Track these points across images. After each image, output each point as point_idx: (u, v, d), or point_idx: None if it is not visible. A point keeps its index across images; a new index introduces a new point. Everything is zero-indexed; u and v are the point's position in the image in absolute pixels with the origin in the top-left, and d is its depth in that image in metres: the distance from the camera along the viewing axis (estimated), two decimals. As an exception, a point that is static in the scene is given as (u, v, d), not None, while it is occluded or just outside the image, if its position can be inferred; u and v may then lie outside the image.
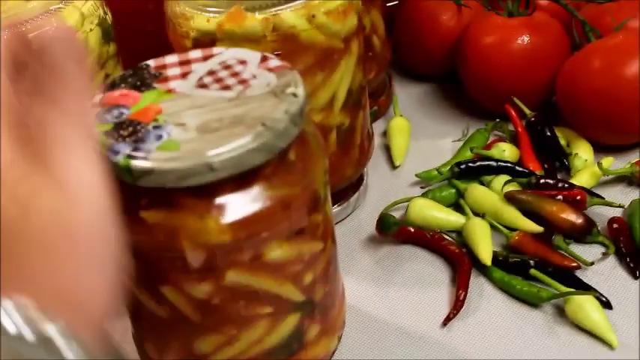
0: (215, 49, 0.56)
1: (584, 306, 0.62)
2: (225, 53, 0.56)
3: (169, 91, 0.53)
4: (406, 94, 0.92)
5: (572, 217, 0.69)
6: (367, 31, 0.84)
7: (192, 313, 0.52)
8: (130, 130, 0.50)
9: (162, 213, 0.50)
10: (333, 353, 0.61)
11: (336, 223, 0.72)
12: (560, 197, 0.71)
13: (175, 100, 0.52)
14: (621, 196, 0.74)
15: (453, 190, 0.75)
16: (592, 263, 0.67)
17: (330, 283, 0.58)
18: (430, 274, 0.69)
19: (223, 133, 0.48)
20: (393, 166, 0.81)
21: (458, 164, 0.75)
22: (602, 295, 0.64)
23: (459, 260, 0.68)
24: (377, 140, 0.85)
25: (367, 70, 0.84)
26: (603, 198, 0.72)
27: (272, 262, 0.52)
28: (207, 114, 0.50)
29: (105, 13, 0.68)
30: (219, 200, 0.49)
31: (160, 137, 0.49)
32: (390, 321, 0.66)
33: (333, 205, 0.73)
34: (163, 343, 0.56)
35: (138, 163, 0.47)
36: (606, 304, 0.64)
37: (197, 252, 0.50)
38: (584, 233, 0.69)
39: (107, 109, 0.52)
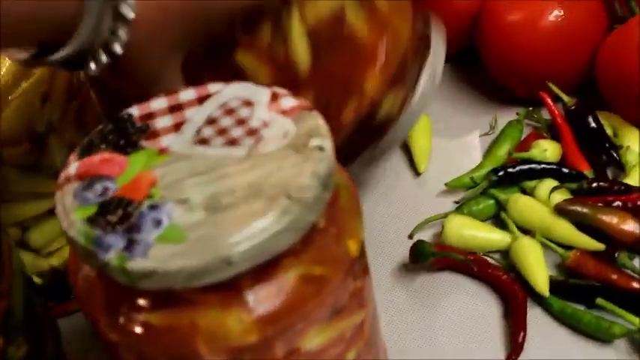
0: (211, 86, 0.45)
1: (666, 342, 0.53)
2: (224, 91, 0.44)
3: (162, 151, 0.42)
4: (419, 80, 0.81)
5: (636, 228, 0.59)
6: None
7: None
8: (120, 214, 0.39)
9: (170, 313, 0.39)
10: None
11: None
12: (617, 203, 0.61)
13: (171, 165, 0.41)
14: (684, 193, 0.64)
15: (492, 202, 0.65)
16: (666, 284, 0.58)
17: (373, 347, 0.48)
18: (477, 309, 0.60)
19: (239, 211, 0.38)
20: (417, 172, 0.71)
21: (495, 171, 0.65)
22: (683, 325, 0.55)
23: (512, 292, 0.59)
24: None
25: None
26: (666, 199, 0.62)
27: (310, 351, 0.42)
28: (215, 183, 0.39)
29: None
30: (239, 293, 0.39)
31: (158, 223, 0.38)
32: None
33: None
34: None
35: (136, 264, 0.37)
36: (688, 335, 0.55)
37: (218, 357, 0.40)
38: (652, 247, 0.59)
39: (87, 183, 0.41)
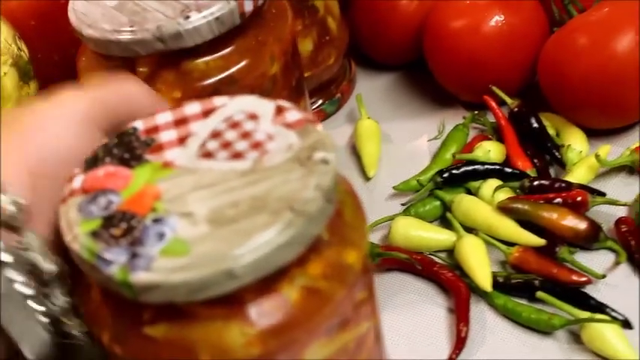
0: (216, 100, 0.44)
1: (603, 331, 0.55)
2: (229, 105, 0.44)
3: (167, 164, 0.41)
4: (370, 88, 0.83)
5: (576, 224, 0.61)
6: (321, 14, 0.75)
7: None
8: (124, 228, 0.38)
9: (172, 326, 0.39)
10: None
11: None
12: (558, 200, 0.63)
13: (176, 178, 0.40)
14: (623, 188, 0.66)
15: (438, 203, 0.66)
16: (604, 276, 0.59)
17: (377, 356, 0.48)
18: (424, 307, 0.61)
19: (242, 224, 0.37)
20: (366, 177, 0.72)
21: (440, 172, 0.67)
22: (619, 314, 0.57)
23: (456, 288, 0.60)
24: (344, 146, 0.77)
25: (326, 56, 0.76)
26: (605, 194, 0.64)
27: None
28: (219, 196, 0.39)
29: (19, 49, 0.58)
30: (242, 306, 0.38)
31: (162, 236, 0.37)
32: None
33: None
34: None
35: (139, 278, 0.36)
36: (625, 324, 0.56)
37: None
38: (591, 240, 0.61)
39: (92, 197, 0.40)
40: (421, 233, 0.64)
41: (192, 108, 0.44)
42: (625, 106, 0.69)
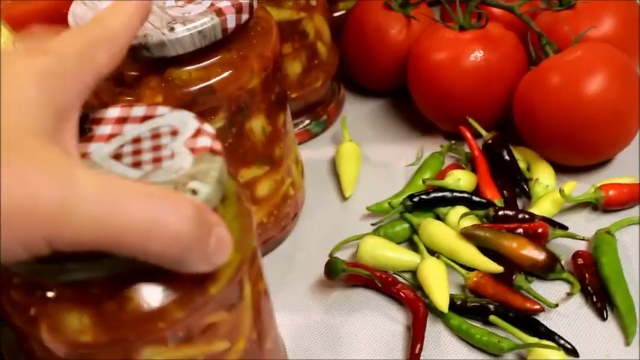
0: (160, 109, 0.48)
1: (548, 357, 0.58)
2: (166, 116, 0.48)
3: (84, 155, 0.46)
4: (356, 112, 0.86)
5: (534, 254, 0.64)
6: (311, 38, 0.78)
7: None
8: None
9: (30, 297, 0.43)
10: None
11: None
12: (520, 230, 0.66)
13: None
14: (585, 223, 0.69)
15: (407, 225, 0.70)
16: (556, 305, 0.62)
17: None
18: (384, 323, 0.64)
19: None
20: (343, 197, 0.76)
21: (410, 197, 0.70)
22: (567, 342, 0.60)
23: (414, 307, 0.63)
24: (325, 166, 0.80)
25: (314, 79, 0.79)
26: (567, 228, 0.67)
27: None
28: None
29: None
30: (90, 296, 0.42)
31: None
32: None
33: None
34: None
35: None
36: (572, 352, 0.59)
37: (58, 345, 0.43)
38: (548, 271, 0.64)
39: None
40: (387, 253, 0.67)
41: (138, 111, 0.48)
42: (593, 145, 0.72)
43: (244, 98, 0.61)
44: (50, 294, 0.42)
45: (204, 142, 0.45)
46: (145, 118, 0.47)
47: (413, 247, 0.69)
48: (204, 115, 0.59)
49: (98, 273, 0.41)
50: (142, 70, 0.58)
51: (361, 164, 0.78)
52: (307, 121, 0.83)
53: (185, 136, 0.46)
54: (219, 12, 0.57)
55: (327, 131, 0.85)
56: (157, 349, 0.44)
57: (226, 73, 0.59)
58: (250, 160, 0.65)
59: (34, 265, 0.40)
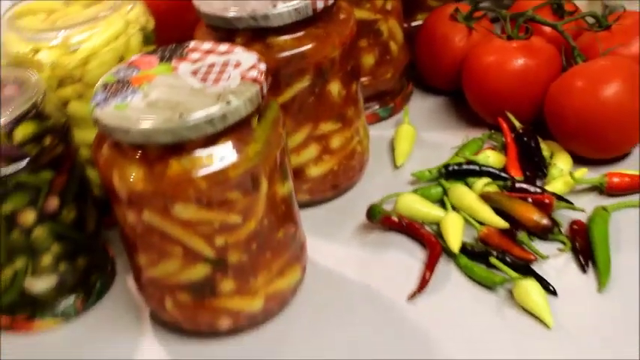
0: (237, 49, 0.68)
1: (529, 290, 0.71)
2: (238, 54, 0.67)
3: (174, 68, 0.66)
4: (419, 105, 1.03)
5: (537, 217, 0.78)
6: (385, 37, 0.96)
7: (129, 232, 0.67)
8: (118, 87, 0.64)
9: (108, 154, 0.64)
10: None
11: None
12: (529, 199, 0.80)
13: (168, 77, 0.65)
14: (589, 203, 0.82)
15: (440, 189, 0.85)
16: (548, 257, 0.76)
17: (250, 255, 0.68)
18: (406, 259, 0.79)
19: (152, 112, 0.61)
20: (395, 166, 0.92)
21: (446, 166, 0.85)
22: (549, 284, 0.73)
23: (432, 246, 0.78)
24: (386, 144, 0.96)
25: (384, 71, 0.96)
26: (571, 203, 0.81)
27: (178, 217, 0.63)
28: (167, 94, 0.63)
29: (147, 21, 0.81)
30: (144, 156, 0.62)
31: (125, 99, 0.62)
32: (361, 289, 0.77)
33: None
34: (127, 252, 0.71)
35: (95, 113, 0.62)
36: (552, 292, 0.73)
37: (122, 190, 0.63)
38: (547, 232, 0.78)
39: (129, 66, 0.67)
40: (419, 207, 0.82)
41: (222, 48, 0.68)
42: (609, 141, 0.85)
43: (326, 65, 0.79)
44: (125, 151, 0.62)
45: (253, 74, 0.64)
46: (224, 53, 0.66)
47: (443, 207, 0.84)
48: (294, 76, 0.78)
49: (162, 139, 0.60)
50: (248, 37, 0.77)
51: (415, 144, 0.94)
52: (377, 106, 1.00)
53: (243, 68, 0.65)
54: None
55: (392, 117, 1.01)
56: (185, 207, 0.63)
57: (313, 44, 0.77)
58: (328, 116, 0.82)
59: None
